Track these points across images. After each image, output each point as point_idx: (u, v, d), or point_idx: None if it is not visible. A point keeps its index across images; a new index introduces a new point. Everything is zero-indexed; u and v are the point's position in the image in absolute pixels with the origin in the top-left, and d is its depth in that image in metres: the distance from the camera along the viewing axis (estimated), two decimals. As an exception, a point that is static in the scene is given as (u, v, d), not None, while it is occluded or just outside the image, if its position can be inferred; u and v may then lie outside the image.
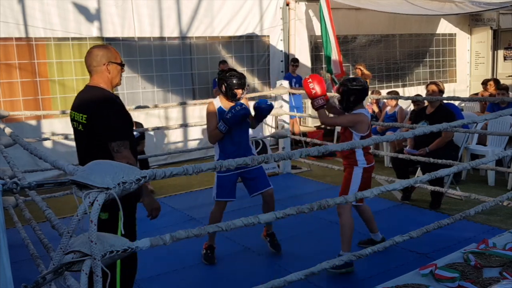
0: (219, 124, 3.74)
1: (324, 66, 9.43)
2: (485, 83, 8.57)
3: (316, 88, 3.69)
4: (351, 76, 4.10)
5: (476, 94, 8.88)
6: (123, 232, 1.89)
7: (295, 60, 8.61)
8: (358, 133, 3.77)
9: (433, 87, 5.52)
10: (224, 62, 7.87)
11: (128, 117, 2.65)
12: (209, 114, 3.87)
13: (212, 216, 3.93)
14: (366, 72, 9.01)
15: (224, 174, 3.85)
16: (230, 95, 3.82)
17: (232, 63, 8.33)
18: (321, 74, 9.95)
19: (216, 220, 3.82)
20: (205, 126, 4.18)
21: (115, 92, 7.70)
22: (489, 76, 11.34)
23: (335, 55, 8.80)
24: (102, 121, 2.48)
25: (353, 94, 3.71)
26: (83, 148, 2.62)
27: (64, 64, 6.87)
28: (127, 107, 6.86)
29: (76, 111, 2.60)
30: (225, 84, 3.81)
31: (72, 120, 2.64)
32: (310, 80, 3.73)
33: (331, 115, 4.08)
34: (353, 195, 2.36)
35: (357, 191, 3.63)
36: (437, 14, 9.73)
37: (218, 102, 3.91)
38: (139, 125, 6.46)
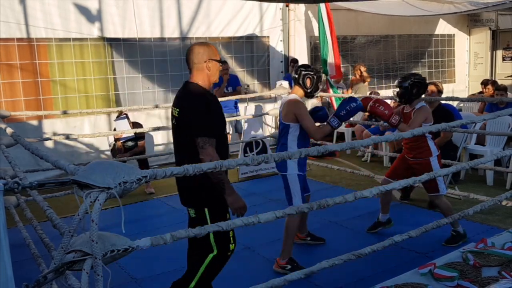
0: (332, 120, 3.65)
1: (322, 66, 9.45)
2: (484, 83, 8.58)
3: (386, 109, 3.87)
4: (409, 73, 4.36)
5: (480, 93, 8.88)
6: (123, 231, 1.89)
7: (295, 61, 8.63)
8: (427, 123, 3.91)
9: (432, 87, 5.53)
10: (224, 62, 7.88)
11: (220, 116, 2.73)
12: (305, 110, 3.75)
13: (292, 225, 3.78)
14: (365, 74, 9.02)
15: (302, 173, 3.88)
16: (313, 91, 3.82)
17: (232, 63, 8.34)
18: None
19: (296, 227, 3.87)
20: None
21: (116, 93, 7.70)
22: (487, 77, 11.36)
23: (331, 57, 8.81)
24: (192, 116, 2.57)
25: (416, 87, 3.98)
26: (176, 141, 2.74)
27: (65, 64, 6.89)
28: (127, 107, 6.91)
29: (173, 105, 2.71)
30: (314, 79, 3.78)
31: (172, 114, 2.74)
32: (377, 105, 3.86)
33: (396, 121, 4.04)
34: (352, 194, 2.37)
35: (443, 180, 4.03)
36: (435, 14, 9.74)
37: (298, 96, 3.82)
38: (138, 125, 6.48)
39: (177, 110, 2.63)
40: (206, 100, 2.62)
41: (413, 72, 4.35)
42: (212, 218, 2.62)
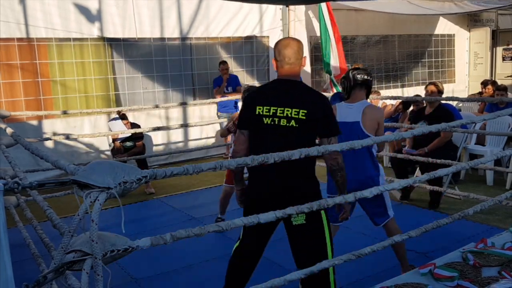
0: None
1: (322, 66, 9.45)
2: (484, 83, 8.58)
3: None
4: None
5: (480, 93, 8.88)
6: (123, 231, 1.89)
7: None
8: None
9: (432, 87, 5.53)
10: (224, 62, 7.88)
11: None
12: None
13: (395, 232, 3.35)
14: None
15: None
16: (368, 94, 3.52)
17: (232, 63, 8.34)
18: (321, 75, 9.97)
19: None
20: (205, 126, 4.20)
21: (116, 93, 7.71)
22: (487, 77, 11.36)
23: (335, 57, 8.80)
24: (323, 116, 2.50)
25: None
26: (291, 144, 2.35)
27: (66, 64, 6.89)
28: (127, 107, 6.91)
29: (287, 106, 2.48)
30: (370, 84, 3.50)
31: (273, 116, 2.49)
32: None
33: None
34: (352, 194, 2.37)
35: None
36: (436, 14, 9.74)
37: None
38: (136, 126, 6.48)
39: (304, 111, 2.45)
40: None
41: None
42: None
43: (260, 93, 2.67)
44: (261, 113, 2.51)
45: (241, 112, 2.69)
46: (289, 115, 2.47)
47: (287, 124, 2.48)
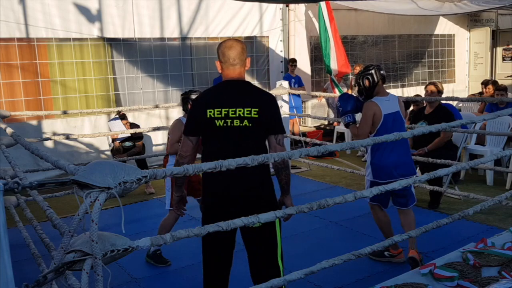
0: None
1: (323, 66, 9.44)
2: (485, 83, 8.58)
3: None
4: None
5: (480, 93, 8.88)
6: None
7: (293, 60, 8.64)
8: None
9: (432, 87, 5.53)
10: None
11: None
12: None
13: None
14: None
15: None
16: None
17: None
18: (321, 75, 9.98)
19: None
20: None
21: (116, 93, 7.71)
22: (487, 77, 11.36)
23: (333, 58, 8.81)
24: (273, 114, 2.53)
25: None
26: (248, 143, 2.47)
27: (66, 64, 6.89)
28: (127, 107, 6.91)
29: (239, 106, 2.46)
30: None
31: (225, 117, 2.46)
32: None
33: None
34: (352, 194, 2.37)
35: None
36: (436, 14, 9.74)
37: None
38: (135, 126, 6.48)
39: (255, 110, 2.46)
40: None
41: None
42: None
43: (209, 96, 2.58)
44: (212, 116, 2.46)
45: (189, 118, 2.61)
46: (242, 115, 2.45)
47: (241, 124, 2.46)
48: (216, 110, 2.46)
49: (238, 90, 2.54)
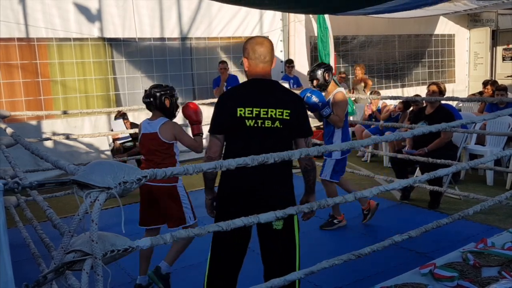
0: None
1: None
2: (485, 83, 8.58)
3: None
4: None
5: (480, 93, 8.88)
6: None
7: (290, 61, 8.67)
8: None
9: (434, 87, 5.53)
10: (223, 62, 7.88)
11: None
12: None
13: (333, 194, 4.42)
14: (361, 75, 8.96)
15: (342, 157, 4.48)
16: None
17: (232, 64, 8.34)
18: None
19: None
20: (205, 126, 4.22)
21: (116, 93, 7.69)
22: (487, 77, 11.36)
23: (332, 57, 8.83)
24: (304, 117, 2.49)
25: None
26: (274, 145, 2.35)
27: (66, 64, 6.89)
28: (127, 107, 6.91)
29: (271, 107, 2.38)
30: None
31: (256, 117, 2.38)
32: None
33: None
34: (352, 194, 2.37)
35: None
36: (435, 15, 9.74)
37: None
38: (136, 126, 6.48)
39: (288, 111, 2.38)
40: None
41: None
42: None
43: (239, 93, 2.48)
44: (243, 115, 2.37)
45: (217, 115, 2.48)
46: (274, 116, 2.38)
47: (272, 126, 2.38)
48: (247, 109, 2.37)
49: (269, 90, 2.45)
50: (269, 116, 2.37)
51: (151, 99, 3.43)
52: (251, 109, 2.37)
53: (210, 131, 2.51)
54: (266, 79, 2.47)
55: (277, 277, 2.27)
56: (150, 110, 3.52)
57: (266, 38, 2.58)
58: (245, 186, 2.43)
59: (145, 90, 3.53)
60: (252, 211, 2.12)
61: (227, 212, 2.36)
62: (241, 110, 2.37)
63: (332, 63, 8.88)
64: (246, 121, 2.38)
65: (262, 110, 2.37)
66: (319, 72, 4.44)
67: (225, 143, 2.50)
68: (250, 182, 2.41)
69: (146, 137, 3.45)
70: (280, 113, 2.38)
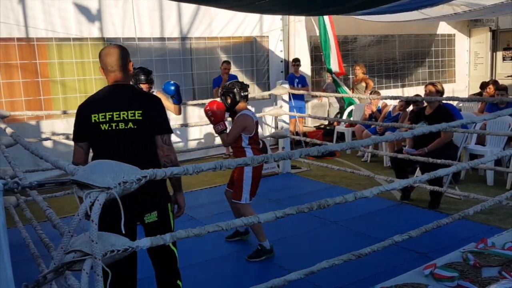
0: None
1: (323, 66, 9.46)
2: (482, 86, 8.60)
3: (214, 117, 4.02)
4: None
5: (479, 94, 8.88)
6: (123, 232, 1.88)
7: (297, 60, 8.62)
8: (247, 134, 4.05)
9: (431, 87, 5.53)
10: (227, 62, 7.86)
11: None
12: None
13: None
14: (361, 75, 8.95)
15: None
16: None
17: (231, 63, 8.34)
18: (321, 75, 9.98)
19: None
20: (205, 126, 4.29)
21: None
22: (488, 77, 11.36)
23: (334, 55, 8.83)
24: (157, 115, 2.59)
25: (229, 97, 4.08)
26: (137, 144, 2.55)
27: (65, 64, 6.89)
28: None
29: (123, 109, 2.52)
30: (133, 80, 4.03)
31: (110, 121, 2.51)
32: (208, 109, 4.03)
33: None
34: (352, 194, 2.37)
35: (250, 189, 3.99)
36: (435, 17, 9.73)
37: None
38: None
39: (139, 112, 2.53)
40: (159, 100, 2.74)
41: (236, 80, 4.44)
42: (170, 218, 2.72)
43: (93, 101, 2.62)
44: (97, 120, 2.51)
45: (75, 124, 2.64)
46: (126, 117, 2.51)
47: (126, 127, 2.51)
48: (100, 114, 2.51)
49: (121, 93, 2.60)
50: (121, 118, 2.50)
51: None
52: (104, 114, 2.50)
53: (73, 139, 2.67)
54: (120, 85, 2.61)
55: (158, 257, 2.65)
56: None
57: (116, 46, 2.68)
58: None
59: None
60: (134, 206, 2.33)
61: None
62: (95, 116, 2.51)
63: (335, 63, 8.91)
64: (101, 125, 2.51)
65: (114, 113, 2.51)
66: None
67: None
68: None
69: None
70: (132, 114, 2.51)
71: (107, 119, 2.50)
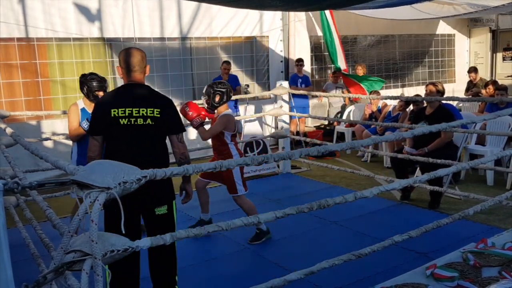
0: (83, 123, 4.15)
1: (324, 66, 9.46)
2: (486, 84, 8.57)
3: (191, 111, 4.10)
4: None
5: (477, 94, 8.88)
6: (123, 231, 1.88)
7: (300, 60, 8.62)
8: (229, 132, 4.25)
9: (431, 87, 5.53)
10: (228, 62, 7.86)
11: None
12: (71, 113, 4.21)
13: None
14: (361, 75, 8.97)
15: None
16: (91, 97, 4.14)
17: (232, 63, 8.34)
18: (322, 74, 9.97)
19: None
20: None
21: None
22: (488, 77, 11.35)
23: (340, 54, 8.87)
24: (173, 114, 2.78)
25: (218, 96, 4.29)
26: (152, 141, 2.73)
27: (65, 64, 6.89)
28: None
29: (143, 106, 2.67)
30: (86, 87, 4.13)
31: (129, 116, 2.66)
32: (185, 106, 4.14)
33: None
34: (352, 194, 2.37)
35: (242, 183, 4.21)
36: (435, 17, 9.75)
37: (82, 103, 4.24)
38: None
39: (157, 110, 2.69)
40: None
41: (221, 81, 4.64)
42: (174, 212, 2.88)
43: (113, 97, 2.79)
44: (116, 115, 2.65)
45: (94, 118, 2.78)
46: (145, 114, 2.67)
47: (144, 123, 2.67)
48: (120, 109, 2.66)
49: (140, 92, 2.75)
50: (140, 114, 2.66)
51: None
52: (124, 109, 2.66)
53: (89, 132, 2.83)
54: (138, 84, 2.78)
55: (159, 251, 2.61)
56: None
57: (138, 49, 2.83)
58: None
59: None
60: (140, 198, 2.41)
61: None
62: (115, 111, 2.66)
63: (342, 62, 8.93)
64: (120, 120, 2.66)
65: (134, 109, 2.67)
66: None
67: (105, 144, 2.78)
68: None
69: None
70: (151, 112, 2.68)
71: (127, 114, 2.65)
